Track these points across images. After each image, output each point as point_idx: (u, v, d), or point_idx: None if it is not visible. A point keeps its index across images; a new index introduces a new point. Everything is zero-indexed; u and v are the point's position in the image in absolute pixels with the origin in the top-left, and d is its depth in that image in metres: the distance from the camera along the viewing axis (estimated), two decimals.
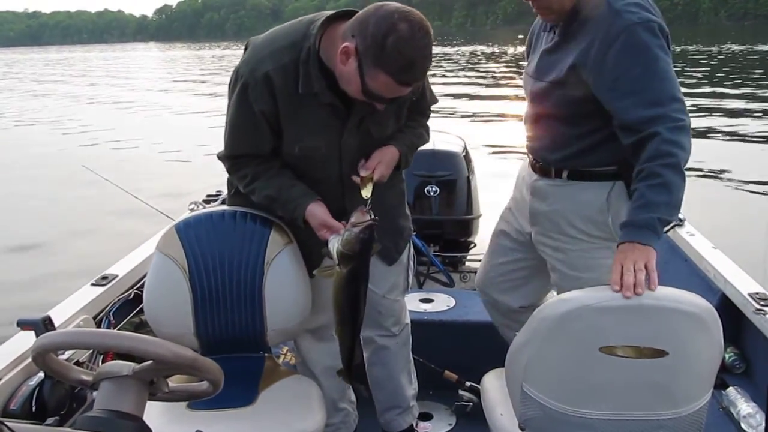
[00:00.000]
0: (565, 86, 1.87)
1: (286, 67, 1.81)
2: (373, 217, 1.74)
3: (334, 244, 1.77)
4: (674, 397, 1.50)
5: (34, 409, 1.88)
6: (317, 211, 1.88)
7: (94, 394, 1.22)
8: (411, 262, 2.34)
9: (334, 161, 1.96)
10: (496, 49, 43.35)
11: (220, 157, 2.03)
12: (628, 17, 1.74)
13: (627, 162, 1.82)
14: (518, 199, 2.23)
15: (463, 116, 13.93)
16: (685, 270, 2.84)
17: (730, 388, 2.28)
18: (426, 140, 2.16)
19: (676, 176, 1.66)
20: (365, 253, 1.76)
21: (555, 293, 2.16)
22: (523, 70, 2.19)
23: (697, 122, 12.44)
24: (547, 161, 2.03)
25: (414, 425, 2.51)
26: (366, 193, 1.87)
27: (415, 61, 1.66)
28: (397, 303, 2.33)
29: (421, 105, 2.09)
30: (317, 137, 1.91)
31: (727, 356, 2.46)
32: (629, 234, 1.64)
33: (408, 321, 2.43)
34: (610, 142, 1.86)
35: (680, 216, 3.18)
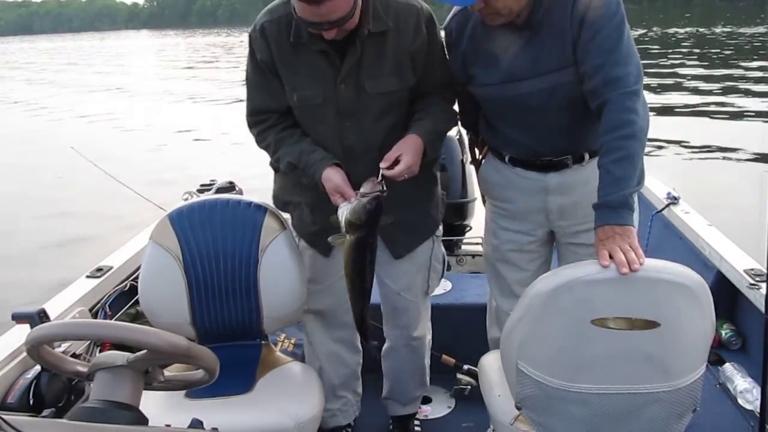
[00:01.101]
0: (565, 73, 1.82)
1: (280, 19, 1.91)
2: (383, 188, 1.76)
3: (344, 212, 1.78)
4: (668, 370, 1.50)
5: (31, 402, 1.88)
6: (333, 176, 1.87)
7: (91, 385, 1.22)
8: (436, 263, 2.25)
9: (333, 113, 1.95)
10: None
11: (248, 124, 2.07)
12: None
13: None
14: (524, 211, 2.06)
15: None
16: (680, 248, 2.85)
17: (727, 364, 2.29)
18: (452, 121, 2.10)
19: (636, 145, 1.66)
20: (371, 223, 1.77)
21: None
22: None
23: (689, 100, 12.49)
24: (563, 153, 1.95)
25: (414, 417, 2.53)
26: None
27: None
28: (413, 304, 2.24)
29: (432, 71, 1.98)
30: (312, 85, 1.93)
31: (723, 333, 2.47)
32: (605, 216, 1.61)
33: (428, 334, 2.37)
34: None
35: (675, 194, 3.18)
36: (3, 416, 1.00)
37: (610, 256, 1.50)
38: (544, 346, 1.54)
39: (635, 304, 1.46)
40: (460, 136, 3.53)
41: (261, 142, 2.05)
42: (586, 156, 1.94)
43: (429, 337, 2.41)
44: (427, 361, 2.44)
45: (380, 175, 1.81)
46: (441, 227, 2.29)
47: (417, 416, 2.57)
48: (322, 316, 2.23)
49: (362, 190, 1.77)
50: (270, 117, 2.02)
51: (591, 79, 1.75)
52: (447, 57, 2.01)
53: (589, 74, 1.76)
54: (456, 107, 2.10)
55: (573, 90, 1.83)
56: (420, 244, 2.18)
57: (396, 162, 1.84)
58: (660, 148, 8.29)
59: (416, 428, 2.54)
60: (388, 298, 2.25)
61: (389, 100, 1.95)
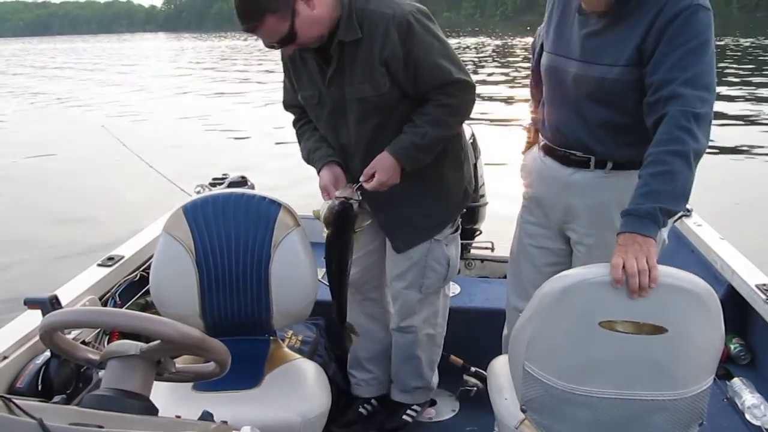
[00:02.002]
0: (625, 71, 1.79)
1: None
2: (356, 195, 1.98)
3: (324, 208, 2.00)
4: (674, 377, 1.49)
5: (40, 387, 1.89)
6: (324, 175, 2.09)
7: (101, 373, 1.23)
8: (434, 263, 2.27)
9: (326, 112, 2.11)
10: (503, 41, 43.07)
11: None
12: None
13: None
14: (543, 201, 2.09)
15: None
16: (692, 260, 2.83)
17: (735, 378, 2.28)
18: (441, 129, 2.06)
19: (682, 165, 1.59)
20: (337, 223, 1.97)
21: None
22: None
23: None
24: (588, 152, 1.93)
25: (408, 408, 2.54)
26: None
27: (235, 4, 1.84)
28: (403, 294, 2.31)
29: (423, 78, 1.99)
30: (310, 87, 2.11)
31: (732, 347, 2.46)
32: (630, 224, 1.59)
33: (426, 329, 2.40)
34: None
35: (687, 206, 3.16)
36: (16, 401, 1.00)
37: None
38: (552, 347, 1.54)
39: (643, 309, 1.46)
40: (474, 140, 3.52)
41: (294, 130, 2.29)
42: (609, 164, 1.90)
43: (428, 332, 2.41)
44: (426, 356, 2.46)
45: (358, 184, 2.02)
46: (451, 230, 2.29)
47: (417, 416, 2.57)
48: (352, 287, 2.28)
49: (337, 193, 1.99)
50: (295, 110, 2.27)
51: (655, 92, 1.70)
52: (441, 59, 1.99)
53: (655, 86, 1.70)
54: (455, 109, 2.07)
55: (617, 90, 1.81)
56: (419, 243, 2.23)
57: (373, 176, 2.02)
58: None
59: (406, 417, 2.54)
60: (388, 284, 2.40)
61: (367, 104, 2.03)
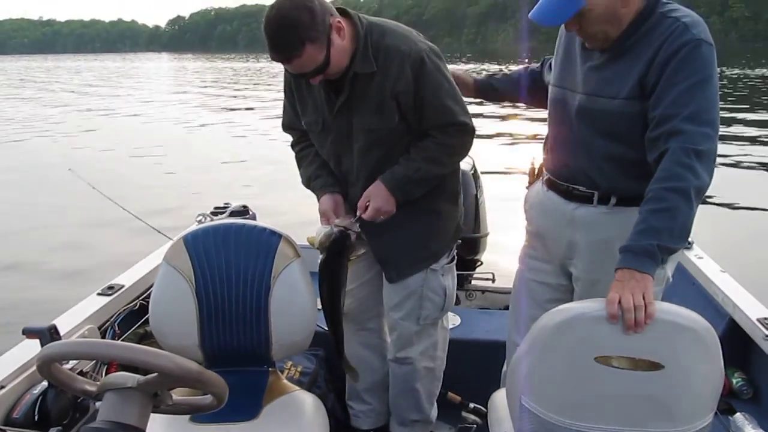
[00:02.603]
0: (627, 104, 1.79)
1: None
2: (355, 227, 2.03)
3: (320, 233, 2.05)
4: (672, 414, 1.48)
5: (36, 418, 1.88)
6: (324, 202, 2.15)
7: (98, 404, 1.22)
8: (430, 293, 2.26)
9: (330, 140, 2.14)
10: (506, 67, 43.38)
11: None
12: (696, 32, 1.71)
13: None
14: (546, 236, 2.09)
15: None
16: (692, 293, 2.83)
17: (738, 413, 2.26)
18: (437, 165, 2.09)
19: (683, 202, 1.59)
20: (333, 250, 2.03)
21: None
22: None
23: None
24: (591, 186, 1.92)
25: None
26: None
27: (267, 38, 1.85)
28: (399, 324, 2.30)
29: (428, 116, 2.03)
30: (314, 114, 2.12)
31: (734, 381, 2.44)
32: (627, 260, 1.58)
33: (424, 362, 2.37)
34: None
35: (689, 239, 3.16)
36: (9, 431, 1.00)
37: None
38: (548, 381, 1.53)
39: (639, 345, 1.45)
40: (474, 171, 3.54)
41: (294, 152, 2.33)
42: (613, 199, 1.89)
43: (426, 365, 2.39)
44: (425, 389, 2.43)
45: (358, 216, 2.07)
46: (447, 260, 2.29)
47: None
48: (348, 317, 2.30)
49: (337, 221, 2.05)
50: (296, 133, 2.29)
51: (657, 127, 1.69)
52: (448, 100, 2.03)
53: (656, 121, 1.70)
54: (452, 150, 2.10)
55: (619, 122, 1.81)
56: (413, 274, 2.23)
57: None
58: None
59: None
60: (385, 314, 2.40)
61: (374, 135, 2.06)
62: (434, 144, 2.06)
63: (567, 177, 1.98)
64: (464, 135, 2.08)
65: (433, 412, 2.52)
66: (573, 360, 1.49)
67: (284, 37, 1.83)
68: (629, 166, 1.84)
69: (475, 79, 2.32)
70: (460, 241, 2.38)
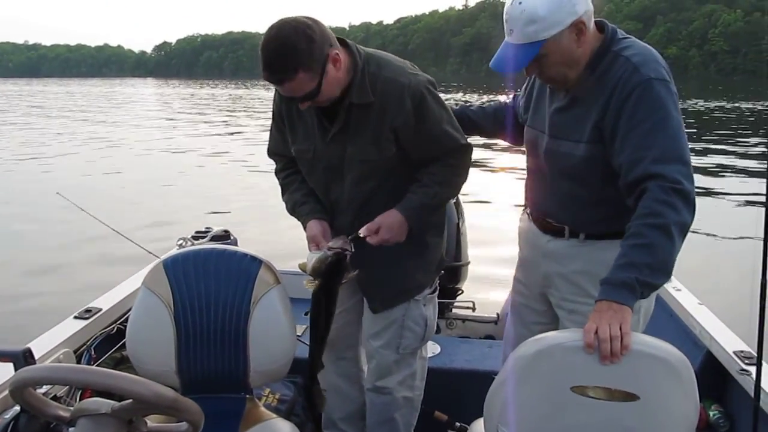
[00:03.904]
0: (589, 148, 1.83)
1: None
2: (349, 246, 1.97)
3: (311, 259, 1.99)
4: None
5: None
6: (312, 227, 2.11)
7: (71, 431, 1.21)
8: (411, 323, 2.25)
9: (320, 168, 2.12)
10: (489, 96, 43.83)
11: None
12: (645, 72, 1.72)
13: None
14: (527, 263, 2.16)
15: None
16: (670, 325, 2.84)
17: None
18: (450, 190, 2.16)
19: (662, 238, 1.60)
20: (329, 274, 1.97)
21: None
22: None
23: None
24: (561, 222, 1.98)
25: None
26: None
27: (262, 57, 1.83)
28: (378, 353, 2.28)
29: (432, 146, 2.05)
30: (306, 141, 2.11)
31: (711, 414, 2.45)
32: (606, 292, 1.59)
33: (403, 391, 2.35)
34: (630, 209, 1.75)
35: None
36: None
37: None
38: (525, 411, 1.53)
39: (615, 375, 1.47)
40: (456, 199, 3.56)
41: (277, 178, 2.30)
42: (581, 235, 1.94)
43: (405, 394, 2.36)
44: (404, 420, 2.40)
45: (352, 236, 2.03)
46: (429, 290, 2.29)
47: None
48: (326, 345, 2.23)
49: (330, 243, 1.99)
50: (282, 159, 2.27)
51: (628, 173, 1.71)
52: (448, 128, 2.05)
53: (626, 167, 1.72)
54: (459, 170, 2.12)
55: (582, 166, 1.85)
56: (397, 304, 2.23)
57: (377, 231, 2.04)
58: None
59: None
60: (363, 341, 2.38)
61: (369, 166, 2.06)
62: (443, 167, 2.08)
63: (541, 211, 2.04)
64: (466, 155, 2.12)
65: None
66: (549, 389, 1.49)
67: (279, 60, 1.83)
68: (593, 206, 1.90)
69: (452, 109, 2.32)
70: (443, 272, 2.38)
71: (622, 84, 1.74)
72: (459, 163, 2.11)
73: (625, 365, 1.47)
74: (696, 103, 34.65)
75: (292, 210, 2.22)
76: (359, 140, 2.03)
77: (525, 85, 2.13)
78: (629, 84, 1.73)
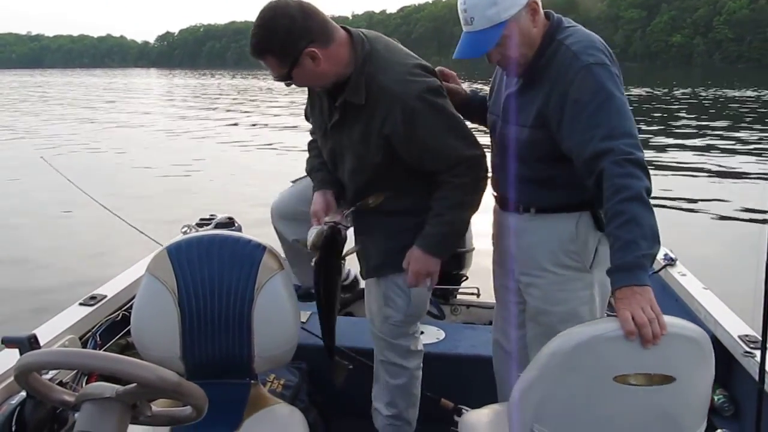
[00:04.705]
0: (533, 132, 1.91)
1: None
2: (345, 221, 2.04)
3: (311, 234, 2.05)
4: (680, 425, 1.50)
5: (14, 428, 1.85)
6: (316, 200, 2.17)
7: (76, 415, 1.21)
8: (394, 295, 2.24)
9: (327, 149, 2.19)
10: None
11: None
12: (585, 59, 1.79)
13: (591, 195, 1.87)
14: (496, 242, 2.25)
15: None
16: (675, 310, 2.84)
17: (719, 430, 2.26)
18: (464, 214, 2.10)
19: (639, 207, 1.64)
20: (325, 247, 2.03)
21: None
22: None
23: (686, 160, 12.59)
24: (514, 199, 2.06)
25: None
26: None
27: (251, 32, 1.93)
28: (371, 323, 2.35)
29: (430, 160, 2.01)
30: (318, 121, 2.21)
31: (716, 398, 2.45)
32: (621, 279, 1.60)
33: (383, 413, 2.41)
34: (576, 184, 1.88)
35: (672, 256, 3.19)
36: None
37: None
38: (564, 406, 1.51)
39: (654, 359, 1.47)
40: None
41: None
42: (532, 209, 2.03)
43: (390, 413, 2.41)
44: (402, 386, 2.41)
45: (350, 209, 2.10)
46: None
47: None
48: None
49: (327, 218, 2.05)
50: (315, 143, 2.33)
51: (580, 155, 1.78)
52: (448, 138, 2.00)
53: (577, 150, 1.79)
54: (471, 187, 2.06)
55: (527, 148, 1.95)
56: (384, 274, 2.24)
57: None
58: (656, 207, 8.31)
59: None
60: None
61: (363, 161, 2.07)
62: (451, 190, 2.03)
63: (499, 190, 2.16)
64: (476, 169, 2.03)
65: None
66: (591, 383, 1.48)
67: (254, 39, 1.91)
68: (539, 184, 1.99)
69: (471, 97, 2.31)
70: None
71: (563, 71, 1.82)
72: (468, 181, 2.02)
73: (661, 348, 1.46)
74: (702, 91, 34.51)
75: (309, 173, 2.31)
76: (353, 136, 2.05)
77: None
78: (570, 71, 1.80)
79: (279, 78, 1.96)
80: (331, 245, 2.03)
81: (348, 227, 2.05)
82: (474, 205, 2.09)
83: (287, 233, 2.60)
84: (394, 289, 2.24)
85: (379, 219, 2.15)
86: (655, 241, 1.64)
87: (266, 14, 1.87)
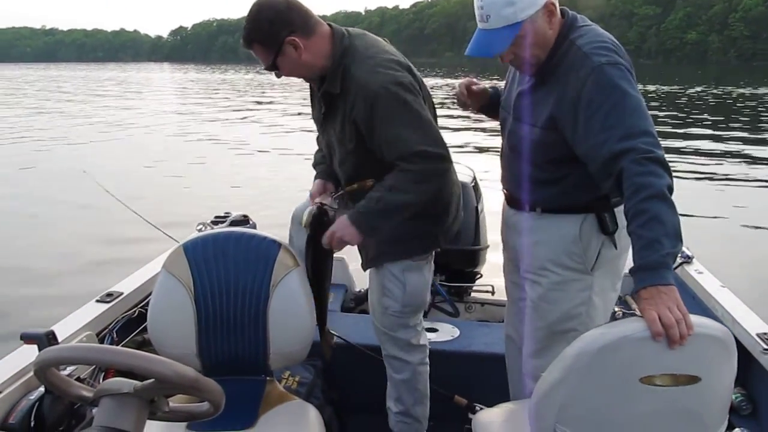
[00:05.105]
0: (543, 133, 1.90)
1: None
2: (333, 203, 2.20)
3: (305, 213, 2.18)
4: (704, 424, 1.49)
5: (33, 423, 1.87)
6: (315, 185, 2.34)
7: (94, 410, 1.22)
8: (390, 284, 2.29)
9: (324, 139, 2.32)
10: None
11: None
12: (596, 59, 1.76)
13: (598, 197, 1.89)
14: (504, 239, 2.25)
15: (474, 147, 13.93)
16: (693, 308, 2.81)
17: (737, 429, 2.25)
18: (399, 199, 2.07)
19: (661, 205, 1.60)
20: (313, 225, 2.15)
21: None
22: None
23: (702, 159, 12.49)
24: (521, 197, 2.06)
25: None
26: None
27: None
28: (373, 316, 2.42)
29: (384, 147, 2.07)
30: (316, 124, 2.34)
31: (734, 397, 2.43)
32: (645, 278, 1.57)
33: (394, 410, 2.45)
34: (583, 186, 1.88)
35: (688, 254, 3.17)
36: None
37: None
38: (588, 407, 1.50)
39: (680, 360, 1.45)
40: (475, 183, 3.55)
41: None
42: (538, 209, 2.02)
43: (399, 409, 2.44)
44: (406, 381, 2.43)
45: (336, 194, 2.25)
46: (413, 260, 2.30)
47: None
48: None
49: (317, 199, 2.22)
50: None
51: (597, 158, 1.74)
52: (403, 130, 2.03)
53: (592, 153, 1.76)
54: (416, 176, 2.06)
55: (535, 148, 1.94)
56: (380, 264, 2.30)
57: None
58: None
59: None
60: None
61: (346, 150, 2.18)
62: (396, 173, 2.06)
63: (508, 187, 2.16)
64: (426, 162, 2.05)
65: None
66: (617, 383, 1.46)
67: (245, 31, 2.09)
68: (546, 185, 1.98)
69: (492, 95, 2.31)
70: (439, 249, 2.39)
71: (575, 73, 1.79)
72: (415, 169, 2.04)
73: (687, 348, 1.44)
74: (717, 89, 34.20)
75: (314, 166, 2.44)
76: (335, 126, 2.17)
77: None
78: (582, 72, 1.78)
79: (267, 67, 2.11)
80: (319, 223, 2.13)
81: (335, 209, 2.17)
82: (413, 194, 2.07)
83: (298, 242, 2.57)
84: (389, 278, 2.29)
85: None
86: (678, 239, 1.61)
87: (253, 8, 2.07)
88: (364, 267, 2.38)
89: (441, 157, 2.07)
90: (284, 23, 2.04)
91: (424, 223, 2.24)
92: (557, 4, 1.86)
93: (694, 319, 1.49)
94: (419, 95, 2.09)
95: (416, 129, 2.05)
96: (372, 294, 2.39)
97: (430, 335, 2.91)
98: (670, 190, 1.63)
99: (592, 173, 1.79)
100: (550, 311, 2.02)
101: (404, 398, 2.44)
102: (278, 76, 2.16)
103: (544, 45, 1.86)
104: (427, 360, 2.47)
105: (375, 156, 2.10)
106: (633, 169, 1.64)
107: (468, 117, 18.19)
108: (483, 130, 16.20)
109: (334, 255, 2.26)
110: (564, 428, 1.51)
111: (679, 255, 3.13)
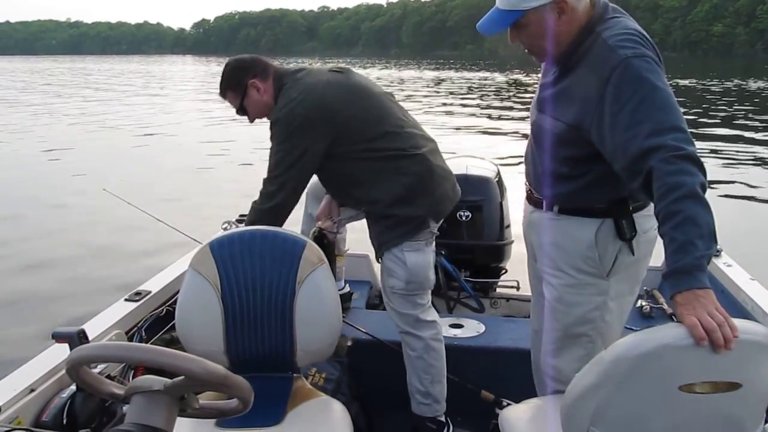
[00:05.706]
0: (567, 129, 1.86)
1: None
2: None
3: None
4: (742, 428, 1.47)
5: (65, 421, 1.90)
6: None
7: (125, 408, 1.23)
8: (392, 264, 2.44)
9: None
10: (528, 76, 43.19)
11: None
12: (623, 52, 1.70)
13: (617, 201, 1.86)
14: (524, 234, 2.25)
15: (497, 139, 13.84)
16: (722, 301, 2.74)
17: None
18: (252, 216, 2.43)
19: (695, 205, 1.53)
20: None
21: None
22: None
23: (729, 151, 12.30)
24: (540, 194, 2.04)
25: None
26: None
27: None
28: (388, 298, 2.55)
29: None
30: None
31: None
32: (680, 283, 1.51)
33: (414, 340, 2.52)
34: (603, 185, 1.86)
35: (717, 247, 3.12)
36: None
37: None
38: (626, 412, 1.48)
39: (721, 366, 1.41)
40: (499, 178, 3.54)
41: None
42: (555, 208, 2.00)
43: (424, 343, 2.51)
44: (420, 358, 2.51)
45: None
46: (408, 244, 2.41)
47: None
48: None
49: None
50: None
51: (624, 156, 1.67)
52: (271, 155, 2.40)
53: (620, 151, 1.69)
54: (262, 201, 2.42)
55: (553, 142, 1.92)
56: (383, 254, 2.47)
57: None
58: None
59: None
60: None
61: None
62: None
63: (529, 182, 2.13)
64: (264, 185, 2.45)
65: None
66: (655, 390, 1.44)
67: (220, 83, 2.51)
68: (566, 180, 1.95)
69: None
70: (437, 232, 2.50)
71: (601, 67, 1.73)
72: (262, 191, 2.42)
73: (729, 354, 1.40)
74: (743, 82, 33.60)
75: None
76: None
77: None
78: (607, 67, 1.71)
79: (238, 111, 2.51)
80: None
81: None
82: (260, 221, 2.38)
83: (311, 208, 2.90)
84: (392, 259, 2.44)
85: (366, 212, 2.50)
86: (712, 239, 1.54)
87: (226, 67, 2.51)
88: (376, 258, 2.55)
89: (271, 196, 2.42)
90: (247, 70, 2.46)
91: (409, 208, 2.39)
92: (570, 5, 1.79)
93: (740, 322, 1.44)
94: (316, 128, 2.33)
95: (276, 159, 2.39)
96: (382, 279, 2.54)
97: (456, 331, 2.91)
98: (704, 188, 1.56)
99: (619, 172, 1.73)
100: (566, 313, 2.01)
101: (422, 376, 2.51)
102: (251, 120, 2.54)
103: (551, 39, 1.83)
104: (441, 337, 2.55)
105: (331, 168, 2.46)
106: (663, 168, 1.57)
107: (489, 115, 18.11)
108: (505, 126, 16.11)
109: (358, 252, 2.47)
110: (597, 430, 1.49)
111: None
